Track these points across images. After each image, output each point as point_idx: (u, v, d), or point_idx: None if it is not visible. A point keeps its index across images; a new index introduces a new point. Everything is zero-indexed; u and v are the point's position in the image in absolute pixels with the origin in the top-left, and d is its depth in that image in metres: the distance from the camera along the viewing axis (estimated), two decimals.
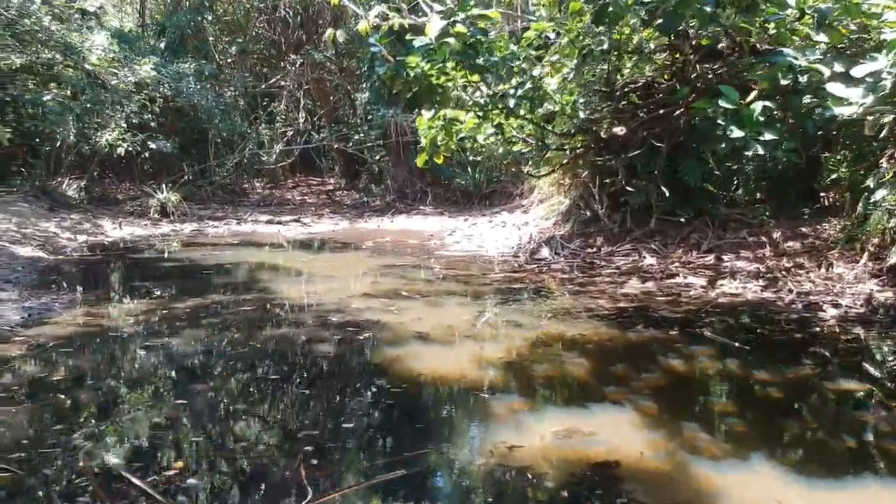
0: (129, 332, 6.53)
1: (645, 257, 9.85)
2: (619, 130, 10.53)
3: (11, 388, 4.87)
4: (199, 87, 18.95)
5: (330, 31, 9.41)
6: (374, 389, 4.95)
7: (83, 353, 5.78)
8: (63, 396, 4.72)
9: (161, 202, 17.45)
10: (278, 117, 25.58)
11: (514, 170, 19.56)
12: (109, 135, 16.65)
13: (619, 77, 9.93)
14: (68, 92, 18.03)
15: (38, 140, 17.52)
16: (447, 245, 13.04)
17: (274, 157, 24.02)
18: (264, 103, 25.70)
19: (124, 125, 16.90)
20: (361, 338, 6.25)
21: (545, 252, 11.13)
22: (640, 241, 10.47)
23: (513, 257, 11.24)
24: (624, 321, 6.71)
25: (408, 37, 7.25)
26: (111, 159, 19.47)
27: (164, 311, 7.40)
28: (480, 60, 7.03)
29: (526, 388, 4.97)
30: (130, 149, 16.78)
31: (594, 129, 10.67)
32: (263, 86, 24.53)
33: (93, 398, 4.74)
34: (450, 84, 7.47)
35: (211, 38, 23.53)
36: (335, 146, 23.94)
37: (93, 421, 4.34)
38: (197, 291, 8.58)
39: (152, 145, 17.78)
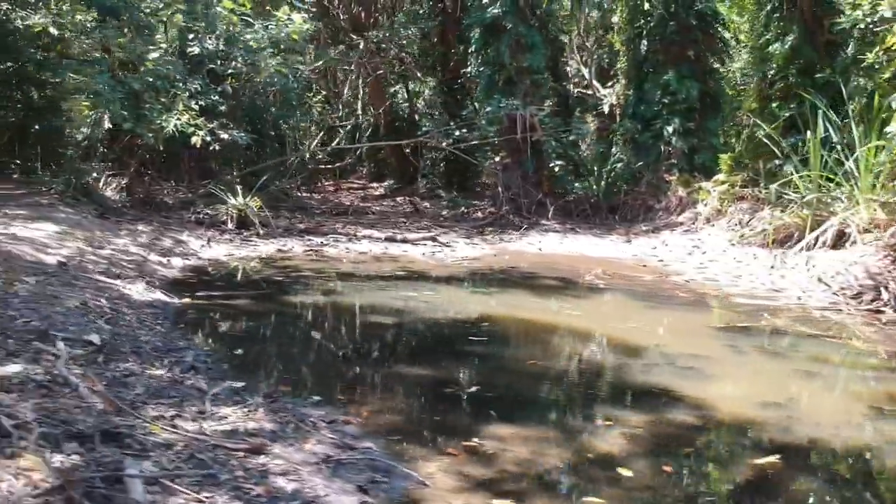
0: None
1: None
2: None
3: None
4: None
5: None
6: None
7: None
8: None
9: (238, 209, 13.33)
10: (336, 107, 21.60)
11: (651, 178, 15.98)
12: (177, 119, 12.44)
13: None
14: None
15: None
16: (700, 280, 9.30)
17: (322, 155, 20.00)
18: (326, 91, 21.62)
19: (196, 107, 12.76)
20: None
21: None
22: None
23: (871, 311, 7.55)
24: None
25: None
26: (152, 153, 15.23)
27: None
28: None
29: None
30: (209, 139, 12.61)
31: None
32: (319, 63, 20.09)
33: None
34: None
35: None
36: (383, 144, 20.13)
37: None
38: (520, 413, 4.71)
39: (224, 135, 13.52)
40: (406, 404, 4.67)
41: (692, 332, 6.76)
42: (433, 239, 12.58)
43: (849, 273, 8.67)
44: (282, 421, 3.97)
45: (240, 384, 4.70)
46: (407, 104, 22.42)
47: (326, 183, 23.85)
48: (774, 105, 13.64)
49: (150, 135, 12.32)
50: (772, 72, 13.81)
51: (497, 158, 16.31)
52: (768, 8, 13.83)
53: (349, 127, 21.45)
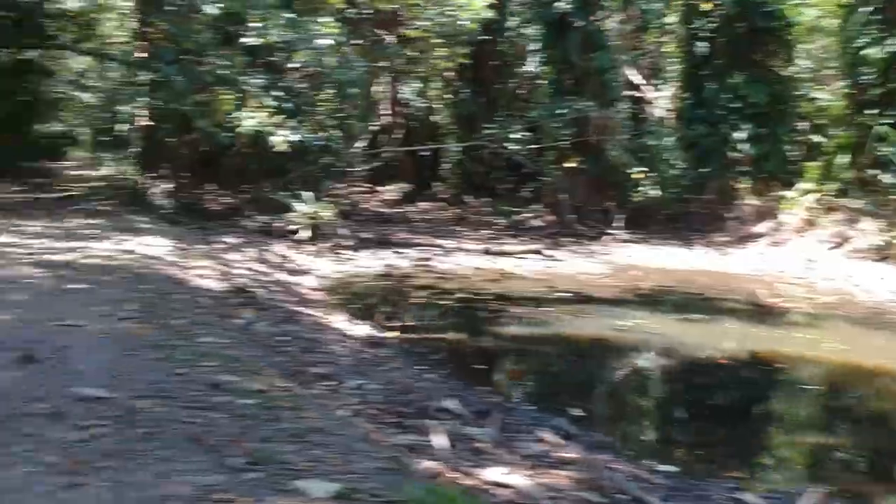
0: None
1: None
2: None
3: None
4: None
5: None
6: None
7: None
8: None
9: (311, 218, 11.92)
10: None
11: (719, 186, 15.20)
12: (249, 119, 11.03)
13: None
14: None
15: None
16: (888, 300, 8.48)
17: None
18: None
19: (274, 104, 11.33)
20: None
21: None
22: None
23: None
24: None
25: None
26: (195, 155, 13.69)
27: None
28: None
29: None
30: (293, 139, 11.23)
31: None
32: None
33: None
34: None
35: None
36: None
37: None
38: None
39: (294, 137, 11.93)
40: None
41: None
42: (537, 252, 11.48)
43: None
44: None
45: (671, 467, 3.64)
46: (425, 104, 21.32)
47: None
48: (873, 112, 12.98)
49: (230, 135, 10.86)
50: (868, 77, 13.16)
51: (572, 164, 15.13)
52: (867, 11, 13.18)
53: (378, 129, 20.21)
